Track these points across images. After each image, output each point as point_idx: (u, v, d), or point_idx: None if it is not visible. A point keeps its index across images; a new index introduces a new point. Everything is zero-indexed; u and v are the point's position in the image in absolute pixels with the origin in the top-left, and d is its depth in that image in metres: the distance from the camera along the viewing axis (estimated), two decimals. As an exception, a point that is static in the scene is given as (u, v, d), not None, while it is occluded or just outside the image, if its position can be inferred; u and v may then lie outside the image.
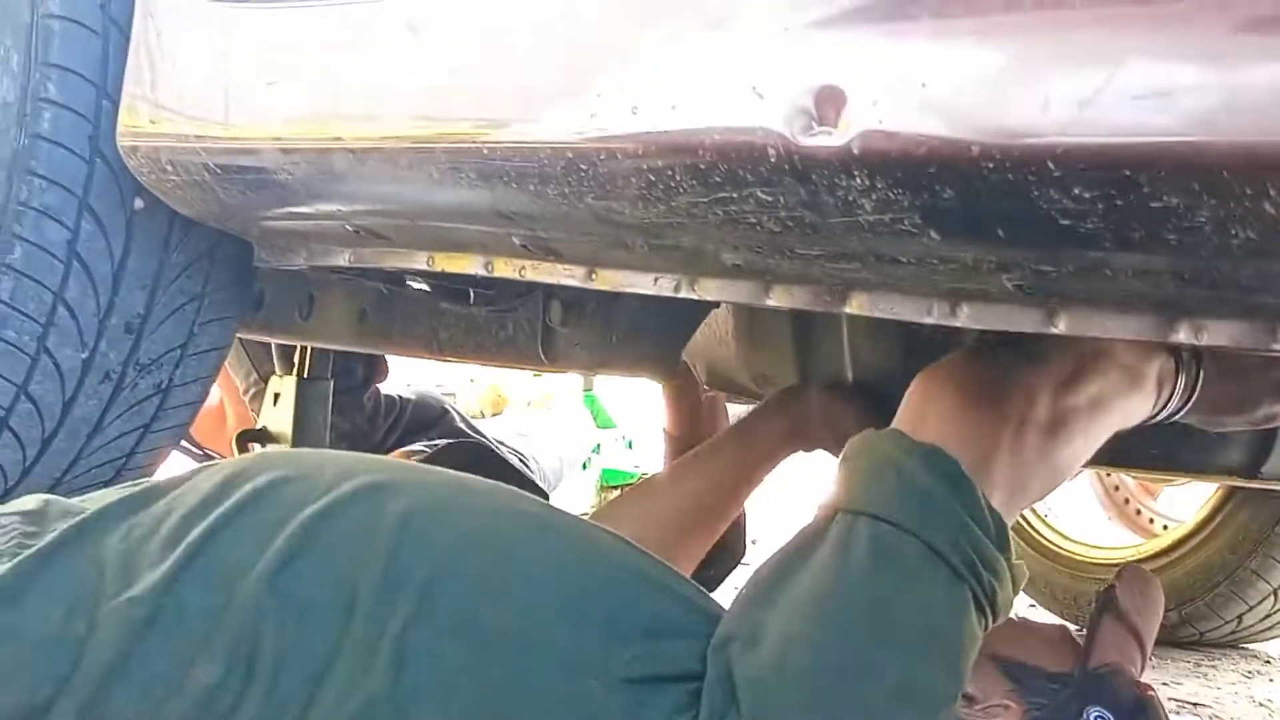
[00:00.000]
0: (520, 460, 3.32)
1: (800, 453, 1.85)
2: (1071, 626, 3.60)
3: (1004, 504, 1.18)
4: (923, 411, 1.24)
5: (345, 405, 2.87)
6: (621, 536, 1.31)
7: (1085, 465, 1.33)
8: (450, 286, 1.95)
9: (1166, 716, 1.27)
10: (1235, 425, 1.35)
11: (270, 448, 2.48)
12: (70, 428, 1.69)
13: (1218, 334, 0.95)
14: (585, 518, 1.46)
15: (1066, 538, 3.79)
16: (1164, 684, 3.12)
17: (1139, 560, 3.60)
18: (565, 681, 1.11)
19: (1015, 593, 1.19)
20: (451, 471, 1.33)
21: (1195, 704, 2.92)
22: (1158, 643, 3.46)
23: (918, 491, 1.15)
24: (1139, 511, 3.98)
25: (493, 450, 3.11)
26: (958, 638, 1.13)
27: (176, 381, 1.76)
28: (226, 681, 1.10)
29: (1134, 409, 1.29)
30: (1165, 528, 3.80)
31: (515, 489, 1.33)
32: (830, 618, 1.12)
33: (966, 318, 1.06)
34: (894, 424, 1.24)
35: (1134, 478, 3.91)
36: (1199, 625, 3.53)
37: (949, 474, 1.16)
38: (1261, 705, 3.00)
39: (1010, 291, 1.00)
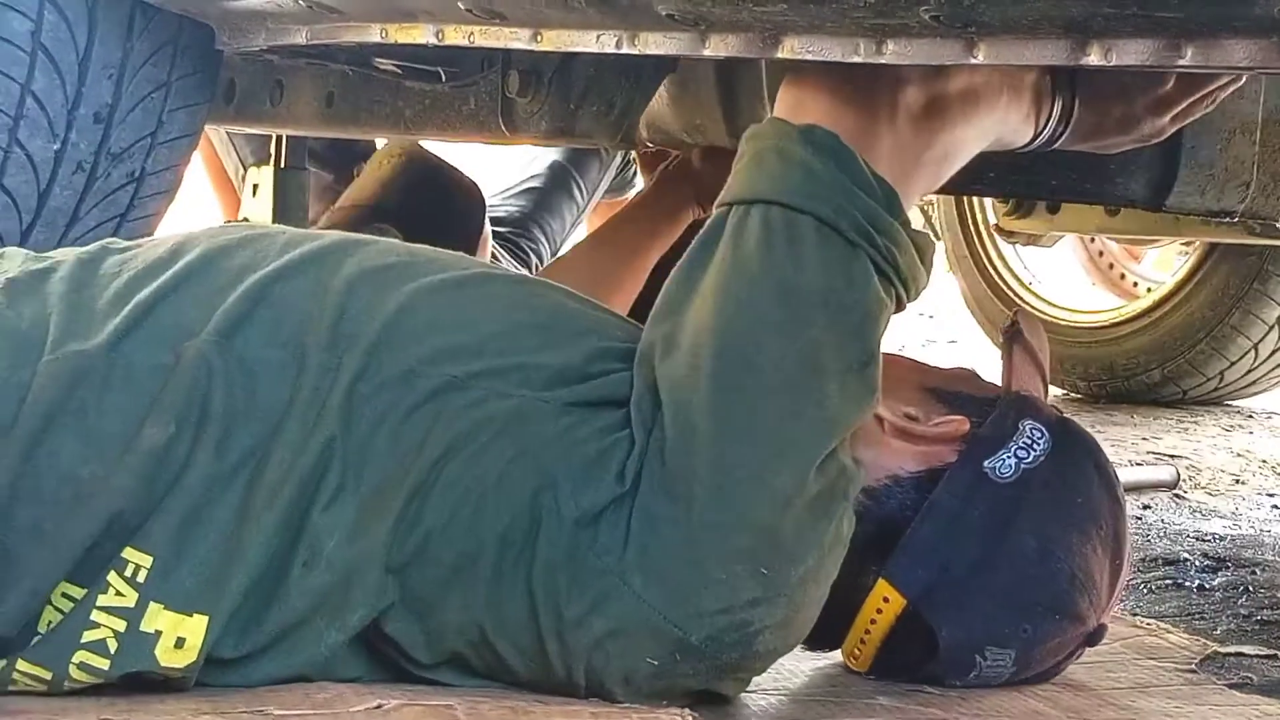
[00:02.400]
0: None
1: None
2: (1057, 391, 3.67)
3: (892, 179, 1.20)
4: (798, 97, 1.25)
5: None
6: (559, 285, 1.36)
7: (990, 192, 1.30)
8: (417, 67, 1.97)
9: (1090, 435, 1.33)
10: (1124, 144, 1.35)
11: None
12: (47, 219, 1.73)
13: (1126, 53, 0.98)
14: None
15: (1051, 304, 3.83)
16: (1144, 439, 3.19)
17: (1122, 322, 3.65)
18: (513, 410, 1.17)
19: (925, 264, 1.22)
20: (399, 242, 1.37)
21: (1174, 455, 2.99)
22: (1141, 401, 3.55)
23: (800, 168, 1.19)
24: (1123, 275, 4.02)
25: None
26: (860, 303, 1.17)
27: (149, 170, 1.79)
28: (177, 439, 1.14)
29: (1012, 120, 1.28)
30: (1149, 290, 3.83)
31: (461, 254, 1.37)
32: (732, 303, 1.17)
33: (892, 54, 1.09)
34: (772, 114, 1.26)
35: (1117, 242, 3.94)
36: (1182, 383, 3.59)
37: (829, 146, 1.19)
38: (1239, 456, 3.07)
39: (929, 24, 1.03)
